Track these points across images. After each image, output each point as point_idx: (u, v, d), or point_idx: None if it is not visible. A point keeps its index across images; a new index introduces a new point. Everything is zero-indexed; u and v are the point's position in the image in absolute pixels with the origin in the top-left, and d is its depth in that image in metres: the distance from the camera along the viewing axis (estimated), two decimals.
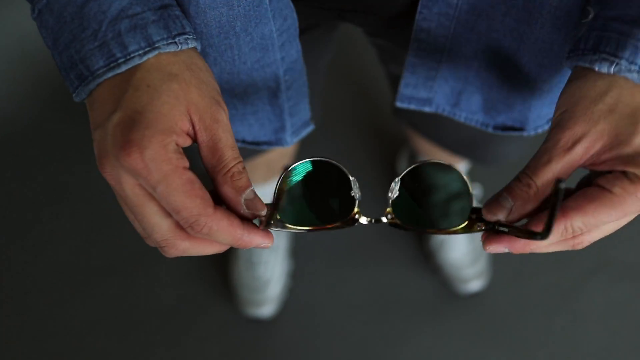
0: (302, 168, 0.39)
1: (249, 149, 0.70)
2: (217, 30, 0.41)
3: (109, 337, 1.17)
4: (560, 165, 0.35)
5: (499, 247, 0.37)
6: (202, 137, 0.34)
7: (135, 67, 0.34)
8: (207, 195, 0.34)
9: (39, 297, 1.21)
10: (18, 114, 1.41)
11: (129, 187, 0.33)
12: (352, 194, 0.39)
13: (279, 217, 0.38)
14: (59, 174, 1.34)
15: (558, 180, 0.31)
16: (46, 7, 0.35)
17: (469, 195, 0.39)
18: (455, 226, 0.39)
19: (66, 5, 0.34)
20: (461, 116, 0.56)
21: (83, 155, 1.34)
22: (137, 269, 1.22)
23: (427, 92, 0.54)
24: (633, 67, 0.35)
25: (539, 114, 0.53)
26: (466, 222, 0.39)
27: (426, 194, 0.40)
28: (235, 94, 0.48)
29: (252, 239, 0.36)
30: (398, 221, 0.40)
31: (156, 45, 0.34)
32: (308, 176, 0.39)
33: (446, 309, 1.20)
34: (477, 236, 1.20)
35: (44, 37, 0.37)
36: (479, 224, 0.39)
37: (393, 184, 0.39)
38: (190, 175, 0.33)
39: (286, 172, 0.38)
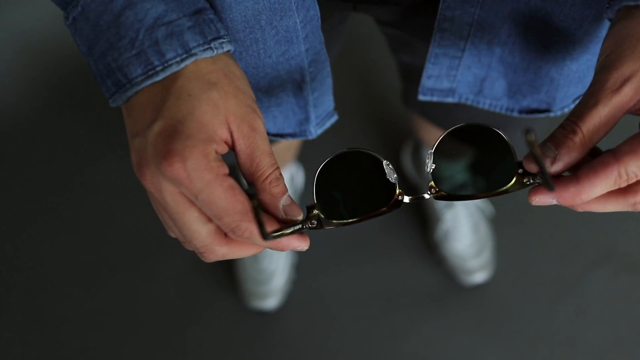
0: (333, 163, 0.38)
1: None
2: (242, 25, 0.41)
3: (115, 330, 1.17)
4: (608, 108, 0.32)
5: (546, 198, 0.34)
6: (240, 146, 0.35)
7: (176, 75, 0.34)
8: (247, 201, 0.34)
9: (44, 293, 1.20)
10: (19, 108, 1.40)
11: (169, 195, 0.34)
12: (388, 177, 0.39)
13: (322, 215, 0.38)
14: (60, 169, 1.33)
15: (526, 130, 0.28)
16: (81, 15, 0.36)
17: (510, 151, 0.37)
18: (504, 185, 0.37)
19: (102, 13, 0.35)
20: (485, 103, 0.55)
21: (85, 151, 1.34)
22: (143, 263, 1.22)
23: (449, 82, 0.53)
24: None
25: (566, 93, 0.52)
26: (514, 179, 0.37)
27: (465, 159, 0.39)
28: (260, 87, 0.48)
29: (289, 242, 0.36)
30: (444, 193, 0.39)
31: (193, 51, 0.34)
32: (341, 169, 0.39)
33: (450, 301, 1.20)
34: (482, 227, 1.20)
35: (78, 44, 0.37)
36: (528, 177, 0.36)
37: (427, 157, 0.39)
38: (231, 181, 0.34)
39: (319, 171, 0.38)
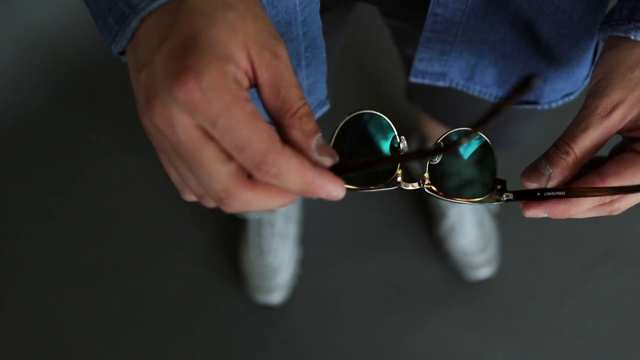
0: (352, 122, 0.38)
1: None
2: None
3: (119, 330, 1.18)
4: (598, 132, 0.35)
5: (539, 212, 0.37)
6: (264, 76, 0.30)
7: None
8: (273, 131, 0.29)
9: (44, 293, 1.21)
10: (19, 107, 1.40)
11: (182, 129, 0.29)
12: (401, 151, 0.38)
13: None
14: (60, 168, 1.33)
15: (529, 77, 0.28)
16: None
17: (494, 166, 0.40)
18: (480, 196, 0.40)
19: None
20: (475, 90, 0.56)
21: (85, 150, 1.34)
22: (144, 262, 1.22)
23: (441, 66, 0.54)
24: None
25: (554, 87, 0.53)
26: (489, 194, 0.40)
27: (461, 164, 0.40)
28: None
29: (324, 184, 0.31)
30: (433, 187, 0.40)
31: None
32: (357, 132, 0.38)
33: (455, 296, 1.20)
34: (487, 222, 1.20)
35: None
36: (507, 194, 0.39)
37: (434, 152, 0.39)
38: (253, 107, 0.29)
39: (339, 127, 0.38)
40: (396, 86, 1.31)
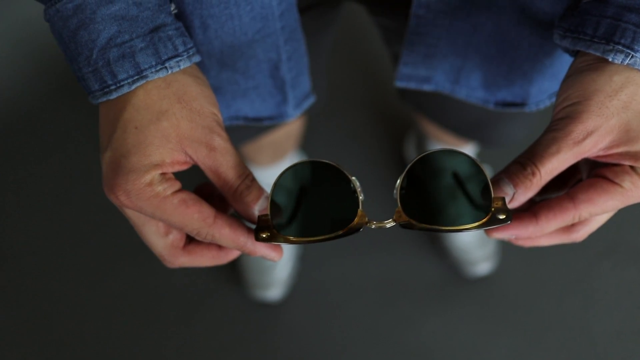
0: (294, 172, 0.36)
1: (254, 129, 0.70)
2: (217, 0, 0.41)
3: (120, 322, 1.19)
4: (568, 156, 0.35)
5: (504, 234, 0.37)
6: (204, 165, 0.36)
7: (125, 104, 0.35)
8: (205, 207, 0.36)
9: (43, 293, 1.22)
10: (18, 104, 1.41)
11: (128, 212, 0.36)
12: (355, 197, 0.35)
13: (274, 228, 0.36)
14: (60, 166, 1.34)
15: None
16: (50, 23, 0.37)
17: (487, 183, 0.35)
18: (478, 220, 0.35)
19: (62, 28, 0.36)
20: (461, 93, 0.55)
21: (87, 140, 1.35)
22: (143, 258, 1.22)
23: (426, 70, 0.54)
24: None
25: (540, 88, 0.52)
26: (489, 215, 0.35)
27: (439, 186, 0.36)
28: (237, 68, 0.48)
29: (256, 247, 0.37)
30: (413, 221, 0.35)
31: (144, 73, 0.35)
32: (304, 181, 0.36)
33: (455, 292, 1.20)
34: None
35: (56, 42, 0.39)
36: (501, 214, 0.35)
37: (398, 180, 0.35)
38: (181, 196, 0.35)
39: (277, 180, 0.36)
40: (392, 80, 1.30)
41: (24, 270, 1.23)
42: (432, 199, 0.36)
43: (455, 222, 0.35)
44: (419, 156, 0.35)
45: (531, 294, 1.19)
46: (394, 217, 0.36)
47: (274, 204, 0.36)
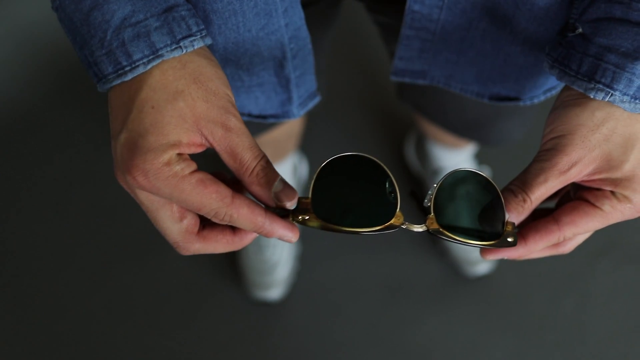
0: (339, 163, 0.37)
1: (256, 126, 0.70)
2: None
3: (120, 322, 1.19)
4: (555, 184, 0.39)
5: (497, 256, 0.42)
6: (219, 147, 0.36)
7: (142, 83, 0.35)
8: (222, 187, 0.35)
9: (43, 293, 1.22)
10: (19, 104, 1.41)
11: (142, 195, 0.36)
12: (394, 196, 0.38)
13: (312, 212, 0.37)
14: (60, 165, 1.34)
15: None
16: (60, 7, 0.37)
17: (504, 209, 0.40)
18: (492, 240, 0.40)
19: (74, 11, 0.36)
20: (456, 87, 0.56)
21: (87, 140, 1.35)
22: (144, 258, 1.23)
23: (421, 64, 0.54)
24: (625, 98, 0.37)
25: (535, 82, 0.53)
26: (501, 237, 0.40)
27: (468, 204, 0.40)
28: (241, 65, 0.48)
29: (274, 228, 0.37)
30: (444, 230, 0.39)
31: (160, 52, 0.35)
32: (345, 171, 0.38)
33: (454, 292, 1.20)
34: None
35: (64, 31, 0.38)
36: (510, 237, 0.40)
37: (431, 190, 0.39)
38: (198, 176, 0.35)
39: (322, 167, 0.37)
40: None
41: (24, 270, 1.23)
42: (462, 215, 0.40)
43: (477, 238, 0.39)
44: (452, 171, 0.40)
45: (530, 294, 1.19)
46: (426, 223, 0.39)
47: (316, 189, 0.37)
